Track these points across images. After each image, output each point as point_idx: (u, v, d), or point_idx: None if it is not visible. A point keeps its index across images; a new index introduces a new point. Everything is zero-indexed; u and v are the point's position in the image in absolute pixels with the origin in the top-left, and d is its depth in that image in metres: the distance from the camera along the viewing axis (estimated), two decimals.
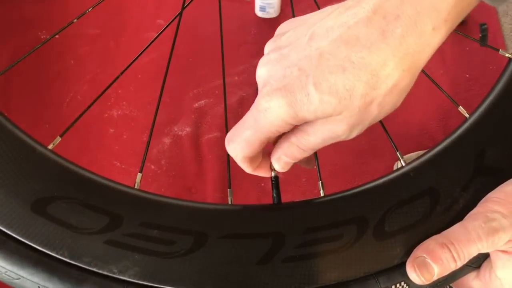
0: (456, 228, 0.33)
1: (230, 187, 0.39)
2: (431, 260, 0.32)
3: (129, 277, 0.31)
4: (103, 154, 1.04)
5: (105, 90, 0.41)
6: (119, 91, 1.10)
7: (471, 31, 1.16)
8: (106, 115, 1.07)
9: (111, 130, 1.06)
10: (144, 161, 0.39)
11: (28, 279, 0.31)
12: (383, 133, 1.06)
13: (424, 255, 0.32)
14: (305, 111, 0.29)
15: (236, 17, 1.19)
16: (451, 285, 0.35)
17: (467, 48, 1.15)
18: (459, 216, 0.34)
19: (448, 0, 0.26)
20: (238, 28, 1.19)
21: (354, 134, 0.31)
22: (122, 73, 0.42)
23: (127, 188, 0.35)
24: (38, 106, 1.06)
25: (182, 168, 1.04)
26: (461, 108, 0.42)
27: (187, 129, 1.08)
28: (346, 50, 0.27)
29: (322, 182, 0.39)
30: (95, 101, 0.41)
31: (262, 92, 0.30)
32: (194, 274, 0.31)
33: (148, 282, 0.31)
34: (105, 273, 0.31)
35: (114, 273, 0.31)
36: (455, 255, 0.31)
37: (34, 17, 1.19)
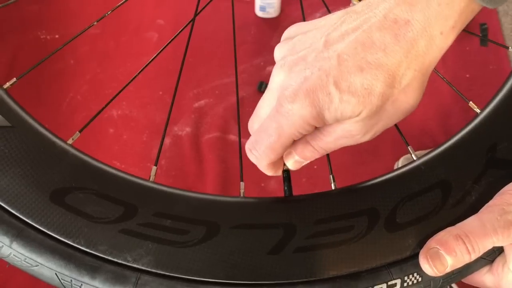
0: (471, 220, 0.33)
1: (242, 180, 0.39)
2: (445, 252, 0.31)
3: (143, 265, 0.32)
4: (103, 154, 1.04)
5: (127, 84, 0.41)
6: None
7: (471, 31, 1.16)
8: (106, 115, 1.07)
9: (111, 130, 1.06)
10: (159, 155, 0.40)
11: (45, 266, 0.32)
12: (382, 133, 1.06)
13: (438, 247, 0.32)
14: (326, 111, 0.29)
15: (236, 17, 1.19)
16: (452, 285, 0.35)
17: (467, 48, 1.16)
18: (471, 209, 0.34)
19: (455, 8, 0.28)
20: (238, 28, 1.18)
21: (368, 137, 0.31)
22: (148, 64, 0.41)
23: (142, 180, 0.36)
24: (38, 106, 1.06)
25: (182, 168, 1.04)
26: (471, 104, 0.42)
27: (187, 129, 1.08)
28: (363, 52, 0.28)
29: (333, 176, 0.39)
30: (114, 97, 0.42)
31: (284, 94, 0.30)
32: (206, 263, 0.32)
33: (162, 270, 0.32)
34: (119, 261, 0.32)
35: (128, 261, 0.32)
36: (469, 247, 0.31)
37: (34, 17, 1.19)
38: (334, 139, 0.31)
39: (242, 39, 1.18)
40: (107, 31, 1.18)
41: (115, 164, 1.03)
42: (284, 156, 0.34)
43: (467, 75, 1.13)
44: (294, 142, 0.33)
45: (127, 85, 0.42)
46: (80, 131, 0.39)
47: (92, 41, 1.17)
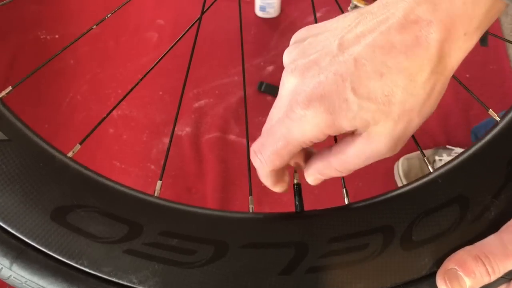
0: (491, 240, 0.31)
1: (251, 195, 0.38)
2: (463, 273, 0.30)
3: (149, 287, 0.31)
4: (103, 154, 1.04)
5: (130, 91, 0.40)
6: (119, 91, 1.10)
7: None
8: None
9: (111, 130, 1.06)
10: (164, 168, 0.39)
11: None
12: None
13: (456, 267, 0.30)
14: (343, 118, 0.27)
15: (236, 17, 1.19)
16: None
17: None
18: (491, 225, 0.33)
19: (481, 8, 0.26)
20: (238, 28, 1.18)
21: (398, 149, 0.29)
22: (154, 65, 0.41)
23: (147, 196, 0.35)
24: (38, 106, 1.06)
25: (182, 168, 1.04)
26: (491, 111, 0.40)
27: (187, 129, 1.08)
28: (382, 56, 0.26)
29: (346, 190, 0.38)
30: (117, 104, 0.40)
31: (296, 100, 0.28)
32: (214, 284, 0.31)
33: None
34: (125, 283, 0.31)
35: (134, 283, 0.31)
36: (489, 269, 0.30)
37: (34, 17, 1.19)
38: (361, 161, 0.29)
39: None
40: (107, 31, 1.18)
41: (115, 164, 1.03)
42: (306, 175, 0.33)
43: (467, 75, 1.13)
44: (316, 163, 0.31)
45: (130, 91, 0.41)
46: (80, 143, 0.37)
47: (92, 41, 1.17)
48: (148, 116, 1.08)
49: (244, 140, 1.05)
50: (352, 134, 0.29)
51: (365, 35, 0.27)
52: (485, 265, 0.30)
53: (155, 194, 0.36)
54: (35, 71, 0.40)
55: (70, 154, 0.36)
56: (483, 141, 0.36)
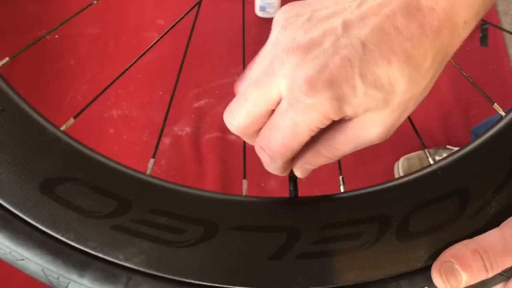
0: (491, 235, 0.30)
1: (245, 178, 0.37)
2: (460, 267, 0.29)
3: (135, 265, 0.30)
4: (103, 154, 1.04)
5: (135, 61, 0.40)
6: (119, 91, 1.10)
7: (472, 31, 1.16)
8: (106, 115, 1.07)
9: (111, 130, 1.06)
10: (157, 146, 0.38)
11: (32, 261, 0.30)
12: None
13: (453, 260, 0.29)
14: (348, 105, 0.26)
15: (236, 17, 1.19)
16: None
17: (467, 48, 1.15)
18: (491, 220, 0.32)
19: None
20: (238, 28, 1.18)
21: (388, 137, 0.29)
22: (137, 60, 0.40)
23: (138, 173, 0.34)
24: (37, 106, 1.05)
25: (182, 168, 1.04)
26: (496, 106, 0.39)
27: (187, 129, 1.08)
28: (389, 42, 0.25)
29: (342, 177, 0.37)
30: (120, 75, 0.39)
31: (298, 86, 0.26)
32: (202, 265, 0.30)
33: (154, 271, 0.30)
34: (110, 259, 0.30)
35: (120, 259, 0.30)
36: (487, 264, 0.29)
37: (33, 17, 1.19)
38: (351, 146, 0.29)
39: (242, 39, 1.18)
40: (107, 31, 1.18)
41: None
42: (294, 169, 0.32)
43: (468, 75, 1.13)
44: (304, 153, 0.31)
45: (134, 61, 0.40)
46: (74, 118, 0.36)
47: (92, 41, 1.17)
48: (148, 116, 1.08)
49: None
50: (341, 119, 0.28)
51: (368, 17, 0.26)
52: (483, 260, 0.29)
53: (147, 173, 0.35)
54: (38, 40, 0.38)
55: (63, 128, 0.35)
56: (486, 135, 0.35)
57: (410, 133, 1.20)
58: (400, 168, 1.04)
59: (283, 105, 0.28)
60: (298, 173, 0.32)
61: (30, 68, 1.10)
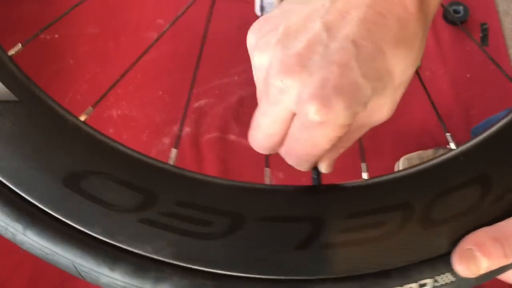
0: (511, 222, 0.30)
1: (267, 166, 0.37)
2: (481, 254, 0.29)
3: (164, 257, 0.30)
4: None
5: (138, 58, 0.39)
6: (119, 91, 1.10)
7: (472, 31, 1.16)
8: (106, 115, 1.07)
9: (111, 130, 1.06)
10: (180, 136, 0.38)
11: (62, 256, 0.30)
12: (383, 133, 1.06)
13: (473, 247, 0.29)
14: (359, 106, 0.26)
15: (236, 17, 1.19)
16: None
17: (468, 48, 1.15)
18: None
19: None
20: (238, 28, 1.18)
21: (394, 110, 0.29)
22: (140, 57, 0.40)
23: (162, 164, 0.34)
24: None
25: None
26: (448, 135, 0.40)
27: (187, 129, 1.07)
28: (378, 32, 0.25)
29: (366, 164, 0.37)
30: (126, 71, 0.39)
31: (305, 106, 0.25)
32: (230, 256, 0.30)
33: (184, 263, 0.30)
34: (140, 252, 0.30)
35: (149, 252, 0.30)
36: (508, 252, 0.29)
37: (34, 17, 1.19)
38: (363, 131, 0.30)
39: (242, 39, 1.18)
40: (107, 31, 1.18)
41: None
42: (318, 167, 0.33)
43: (468, 75, 1.13)
44: None
45: (138, 59, 0.40)
46: (93, 106, 0.36)
47: (92, 41, 1.17)
48: (148, 116, 1.08)
49: (245, 140, 1.05)
50: None
51: (348, 12, 0.25)
52: (503, 248, 0.29)
53: (171, 163, 0.34)
54: (47, 26, 0.37)
55: (82, 118, 0.34)
56: (508, 118, 0.34)
57: (410, 133, 1.20)
58: (400, 168, 1.03)
59: (296, 123, 0.28)
60: (323, 169, 0.33)
61: (29, 68, 1.09)
